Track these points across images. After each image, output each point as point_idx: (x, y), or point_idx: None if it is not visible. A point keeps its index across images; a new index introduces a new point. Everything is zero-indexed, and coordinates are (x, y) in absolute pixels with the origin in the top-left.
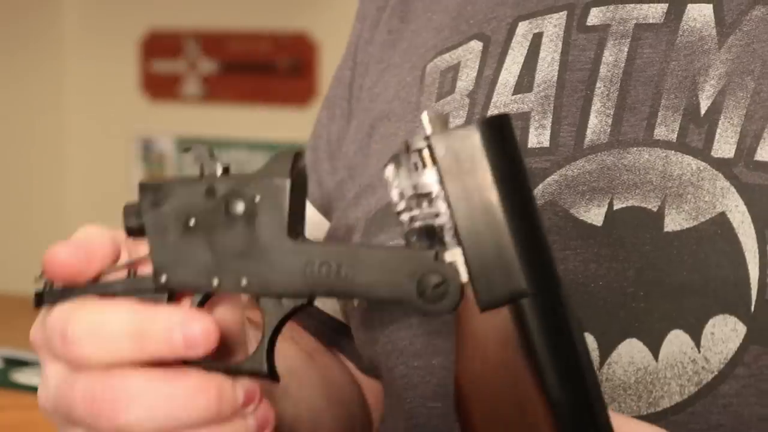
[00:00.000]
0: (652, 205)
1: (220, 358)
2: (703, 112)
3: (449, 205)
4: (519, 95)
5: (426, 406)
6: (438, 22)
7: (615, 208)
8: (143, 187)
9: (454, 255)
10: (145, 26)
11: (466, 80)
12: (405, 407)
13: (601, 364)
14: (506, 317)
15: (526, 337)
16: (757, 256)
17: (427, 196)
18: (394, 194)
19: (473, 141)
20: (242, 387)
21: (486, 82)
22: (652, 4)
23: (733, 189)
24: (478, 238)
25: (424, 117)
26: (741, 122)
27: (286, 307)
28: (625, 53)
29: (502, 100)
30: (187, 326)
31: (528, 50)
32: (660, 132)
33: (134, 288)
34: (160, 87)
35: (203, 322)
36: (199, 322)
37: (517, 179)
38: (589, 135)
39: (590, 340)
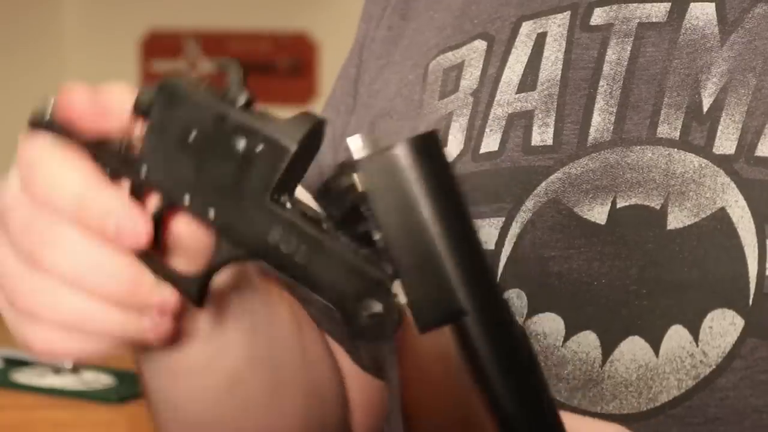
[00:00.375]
0: (655, 203)
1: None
2: (705, 109)
3: (380, 229)
4: (522, 94)
5: None
6: (440, 21)
7: (618, 206)
8: (164, 87)
9: (398, 287)
10: (145, 26)
11: (470, 79)
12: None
13: (604, 362)
14: (447, 337)
15: (470, 354)
16: (756, 250)
17: (360, 220)
18: (325, 222)
19: (401, 161)
20: (162, 294)
21: (489, 80)
22: (655, 4)
23: (733, 184)
24: (412, 260)
25: (350, 141)
26: (742, 119)
27: (237, 253)
28: (628, 52)
29: (506, 99)
30: (122, 217)
31: (532, 49)
32: (663, 130)
33: (118, 162)
34: None
35: (139, 221)
36: (135, 220)
37: (448, 197)
38: (593, 133)
39: (593, 339)
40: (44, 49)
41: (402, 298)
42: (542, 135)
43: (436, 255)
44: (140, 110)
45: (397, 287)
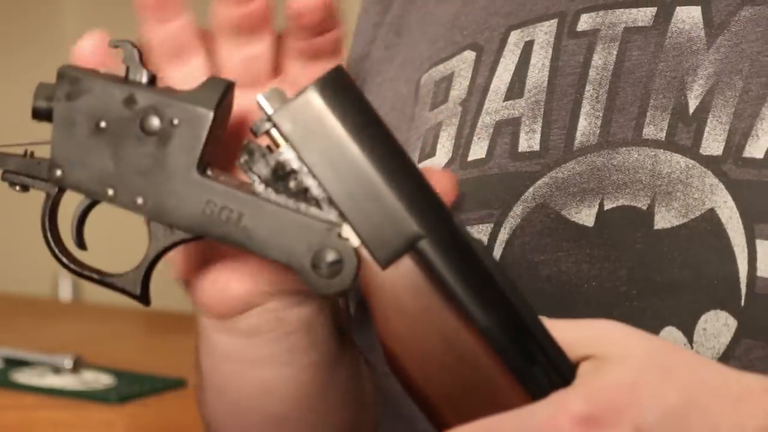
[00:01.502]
0: (642, 204)
1: None
2: (691, 111)
3: (315, 176)
4: (510, 101)
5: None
6: (433, 34)
7: (605, 208)
8: (62, 74)
9: (349, 230)
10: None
11: (458, 89)
12: (403, 412)
13: None
14: (409, 265)
15: (435, 276)
16: (746, 251)
17: (291, 175)
18: (257, 184)
19: (315, 104)
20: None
21: (478, 90)
22: (641, 8)
23: (721, 185)
24: (355, 199)
25: (260, 98)
26: (730, 120)
27: (175, 237)
28: (614, 56)
29: (494, 107)
30: None
31: (519, 58)
32: (649, 131)
33: (27, 170)
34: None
35: None
36: None
37: (372, 126)
38: (579, 137)
39: None
40: (44, 49)
41: (353, 241)
42: (529, 141)
43: (378, 186)
44: (41, 114)
45: (346, 231)
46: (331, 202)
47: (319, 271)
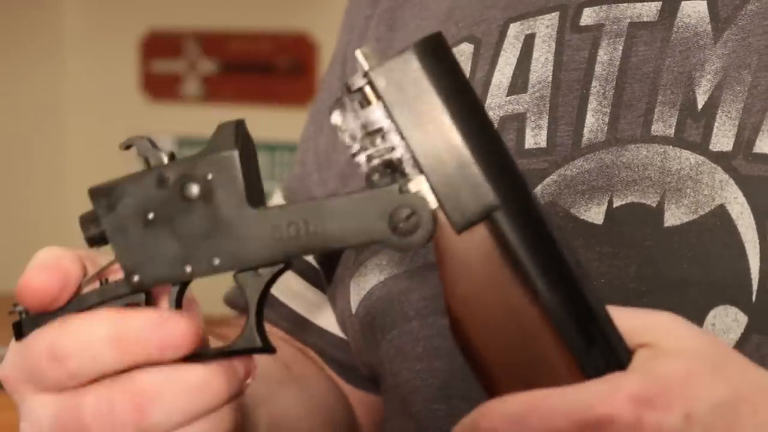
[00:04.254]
0: (651, 201)
1: None
2: (700, 106)
3: (402, 136)
4: (513, 96)
5: (430, 408)
6: (427, 28)
7: (615, 205)
8: (94, 193)
9: (418, 184)
10: (145, 26)
11: None
12: (411, 410)
13: None
14: (483, 233)
15: (507, 248)
16: (758, 246)
17: (379, 132)
18: (346, 138)
19: (412, 66)
20: (241, 363)
21: (479, 84)
22: (645, 3)
23: (732, 181)
24: (438, 161)
25: (358, 53)
26: (739, 115)
27: (264, 277)
28: (620, 51)
29: (497, 102)
30: (163, 327)
31: (521, 51)
32: (657, 128)
33: (109, 296)
34: (160, 87)
35: (179, 323)
36: (176, 323)
37: (464, 94)
38: (587, 134)
39: None
40: (44, 49)
41: (431, 203)
42: (536, 137)
43: (463, 153)
44: (95, 240)
45: (425, 191)
46: (415, 161)
47: (398, 231)
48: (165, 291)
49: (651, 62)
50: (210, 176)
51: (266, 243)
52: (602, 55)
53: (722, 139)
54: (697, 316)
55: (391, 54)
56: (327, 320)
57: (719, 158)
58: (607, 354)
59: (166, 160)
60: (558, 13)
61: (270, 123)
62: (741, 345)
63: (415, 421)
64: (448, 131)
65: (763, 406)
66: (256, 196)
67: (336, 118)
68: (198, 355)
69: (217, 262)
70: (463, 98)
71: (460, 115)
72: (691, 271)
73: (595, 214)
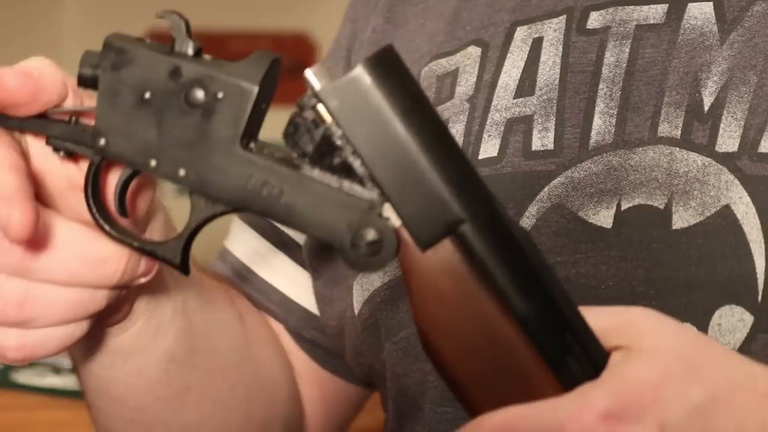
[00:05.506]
0: (659, 203)
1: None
2: (706, 108)
3: (359, 154)
4: (521, 98)
5: (435, 411)
6: (431, 28)
7: (623, 208)
8: (108, 44)
9: (390, 210)
10: (145, 26)
11: (465, 85)
12: (418, 413)
13: None
14: (449, 249)
15: (475, 262)
16: (763, 246)
17: (335, 151)
18: (301, 160)
19: (364, 83)
20: (146, 262)
21: (485, 86)
22: (652, 5)
23: (737, 182)
24: (398, 179)
25: (308, 73)
26: (744, 116)
27: (216, 208)
28: (627, 54)
29: (503, 104)
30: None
31: (528, 54)
32: (664, 129)
33: (72, 136)
34: None
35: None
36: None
37: (420, 108)
38: (594, 136)
39: None
40: (44, 48)
41: (394, 221)
42: (543, 139)
43: (423, 169)
44: (86, 81)
45: (387, 211)
46: (373, 180)
47: (358, 250)
48: (119, 166)
49: (658, 64)
50: (220, 95)
51: (235, 185)
52: (609, 58)
53: (728, 140)
54: (703, 316)
55: (343, 72)
56: (293, 291)
57: (725, 159)
58: (584, 360)
59: (191, 51)
60: (565, 16)
61: (270, 123)
62: (747, 345)
63: (421, 423)
64: (405, 147)
65: (740, 403)
66: (249, 135)
67: (288, 137)
68: (119, 236)
69: (182, 173)
70: (419, 112)
71: (417, 130)
72: (698, 273)
73: (604, 217)
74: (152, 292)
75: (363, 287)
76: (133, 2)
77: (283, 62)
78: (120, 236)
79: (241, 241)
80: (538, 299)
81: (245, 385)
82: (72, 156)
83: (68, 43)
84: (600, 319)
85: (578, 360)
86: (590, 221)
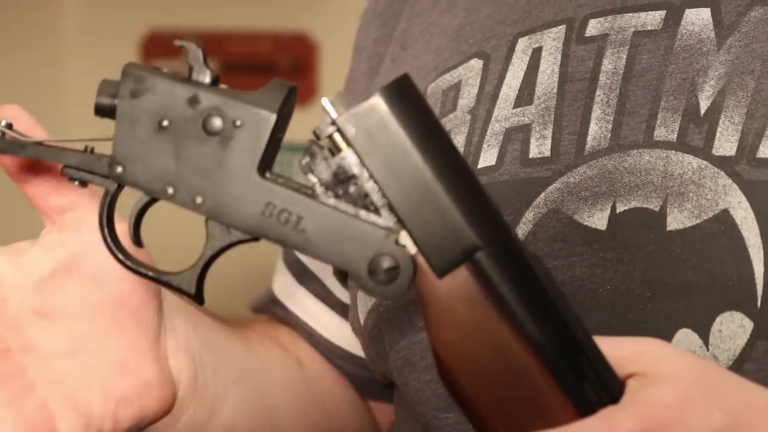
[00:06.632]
0: (654, 205)
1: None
2: (702, 111)
3: (376, 182)
4: (520, 108)
5: (438, 417)
6: (437, 44)
7: (618, 211)
8: (127, 72)
9: (405, 236)
10: (145, 26)
11: (467, 98)
12: (420, 419)
13: None
14: (465, 276)
15: (491, 288)
16: (762, 251)
17: (351, 179)
18: (318, 188)
19: (380, 111)
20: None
21: (487, 97)
22: (650, 12)
23: (735, 186)
24: (415, 207)
25: (325, 101)
26: (742, 121)
27: (233, 237)
28: (624, 60)
29: (503, 114)
30: None
31: (528, 65)
32: (660, 133)
33: (88, 165)
34: None
35: None
36: None
37: (435, 135)
38: (590, 142)
39: None
40: (44, 49)
41: (410, 249)
42: (540, 147)
43: (438, 196)
44: (104, 110)
45: (404, 238)
46: (390, 208)
47: (375, 278)
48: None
49: (654, 69)
50: (238, 123)
51: (252, 213)
52: (606, 65)
53: (725, 144)
54: (704, 321)
55: (359, 100)
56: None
57: (722, 163)
58: (599, 387)
59: (209, 80)
60: (564, 25)
61: None
62: (747, 351)
63: (423, 429)
64: (421, 175)
65: (759, 427)
66: (267, 163)
67: (305, 166)
68: (133, 267)
69: (199, 200)
70: (434, 140)
71: (433, 157)
72: (696, 277)
73: (598, 219)
74: (193, 375)
75: (366, 297)
76: (133, 5)
77: (283, 62)
78: (135, 266)
79: (278, 273)
80: (553, 325)
81: (315, 424)
82: (86, 185)
83: (70, 46)
84: (612, 347)
85: (593, 386)
86: (585, 224)
